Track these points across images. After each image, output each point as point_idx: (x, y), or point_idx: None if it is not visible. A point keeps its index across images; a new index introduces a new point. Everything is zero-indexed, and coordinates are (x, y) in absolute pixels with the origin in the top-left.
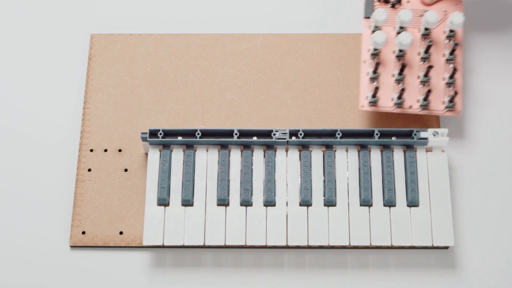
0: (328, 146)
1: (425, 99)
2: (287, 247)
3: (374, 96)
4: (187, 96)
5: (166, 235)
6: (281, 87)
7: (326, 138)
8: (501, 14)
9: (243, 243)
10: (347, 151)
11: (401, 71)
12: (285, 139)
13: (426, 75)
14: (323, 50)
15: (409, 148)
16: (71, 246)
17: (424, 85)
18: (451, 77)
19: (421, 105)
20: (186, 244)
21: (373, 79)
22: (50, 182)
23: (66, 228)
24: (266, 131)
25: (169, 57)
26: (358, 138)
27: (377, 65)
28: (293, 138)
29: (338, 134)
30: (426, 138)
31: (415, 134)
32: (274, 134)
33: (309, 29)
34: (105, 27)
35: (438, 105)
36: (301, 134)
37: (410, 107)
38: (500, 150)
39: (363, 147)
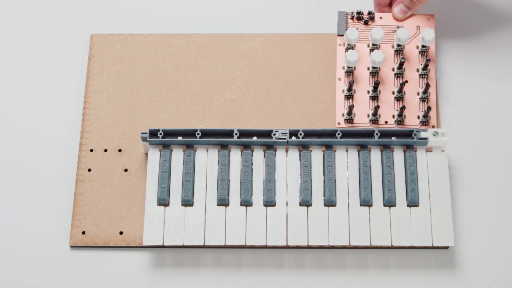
0: (328, 146)
1: (400, 114)
2: (287, 247)
3: (349, 113)
4: (187, 96)
5: (166, 235)
6: (281, 87)
7: (326, 138)
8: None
9: (243, 243)
10: (347, 151)
11: (375, 88)
12: (285, 139)
13: (400, 90)
14: (323, 50)
15: (409, 148)
16: (71, 246)
17: (398, 100)
18: (425, 92)
19: (396, 121)
20: (186, 244)
21: (348, 96)
22: (50, 182)
23: (66, 228)
24: (266, 131)
25: (169, 57)
26: (358, 138)
27: (352, 82)
28: (293, 138)
29: (338, 134)
30: (426, 138)
31: (415, 134)
32: (274, 134)
33: (309, 29)
34: (105, 27)
35: (413, 119)
36: (301, 134)
37: (386, 122)
38: (500, 150)
39: (363, 147)
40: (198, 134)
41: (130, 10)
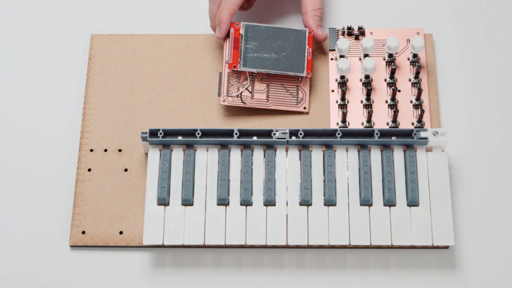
0: (328, 146)
1: (394, 120)
2: (287, 246)
3: (344, 121)
4: (187, 96)
5: (166, 235)
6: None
7: (326, 138)
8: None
9: (243, 243)
10: (347, 151)
11: (368, 96)
12: (285, 138)
13: (393, 98)
14: (323, 50)
15: (409, 148)
16: (71, 246)
17: (392, 108)
18: (418, 98)
19: (390, 127)
20: (186, 243)
21: (342, 105)
22: (50, 182)
23: (66, 227)
24: (266, 131)
25: (169, 57)
26: (358, 138)
27: (345, 89)
28: (293, 138)
29: (338, 134)
30: (426, 138)
31: (415, 134)
32: (274, 134)
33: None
34: (105, 27)
35: (407, 126)
36: (301, 134)
37: None
38: (500, 150)
39: (363, 146)
40: (198, 134)
41: (130, 10)
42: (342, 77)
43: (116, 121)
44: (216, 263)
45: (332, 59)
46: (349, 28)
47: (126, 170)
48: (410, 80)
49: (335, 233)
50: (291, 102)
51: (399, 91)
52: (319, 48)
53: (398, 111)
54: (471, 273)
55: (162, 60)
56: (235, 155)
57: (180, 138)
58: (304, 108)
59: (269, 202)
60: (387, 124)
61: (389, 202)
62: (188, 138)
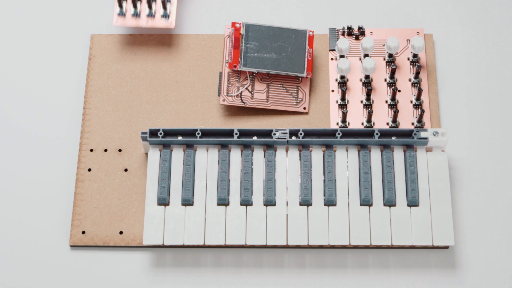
0: (328, 146)
1: (394, 120)
2: (287, 246)
3: (344, 121)
4: (187, 96)
5: (166, 235)
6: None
7: (326, 138)
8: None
9: (243, 243)
10: (347, 151)
11: (368, 96)
12: (285, 138)
13: (393, 98)
14: (323, 50)
15: (409, 148)
16: (71, 246)
17: (392, 108)
18: (418, 98)
19: (391, 127)
20: (186, 243)
21: (342, 105)
22: (50, 182)
23: (66, 227)
24: (266, 131)
25: (169, 57)
26: (358, 138)
27: (345, 89)
28: (293, 138)
29: (338, 134)
30: (426, 138)
31: (415, 134)
32: (274, 134)
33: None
34: (105, 27)
35: (407, 126)
36: (301, 134)
37: None
38: (500, 150)
39: (363, 146)
40: (198, 134)
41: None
42: (342, 77)
43: (116, 121)
44: (216, 263)
45: (332, 59)
46: (349, 28)
47: (126, 170)
48: (410, 80)
49: (335, 233)
50: (291, 102)
51: (399, 91)
52: (319, 48)
53: (398, 111)
54: (471, 273)
55: (162, 60)
56: (235, 155)
57: (180, 138)
58: (304, 108)
59: (269, 202)
60: (387, 124)
61: (389, 202)
62: (188, 138)
